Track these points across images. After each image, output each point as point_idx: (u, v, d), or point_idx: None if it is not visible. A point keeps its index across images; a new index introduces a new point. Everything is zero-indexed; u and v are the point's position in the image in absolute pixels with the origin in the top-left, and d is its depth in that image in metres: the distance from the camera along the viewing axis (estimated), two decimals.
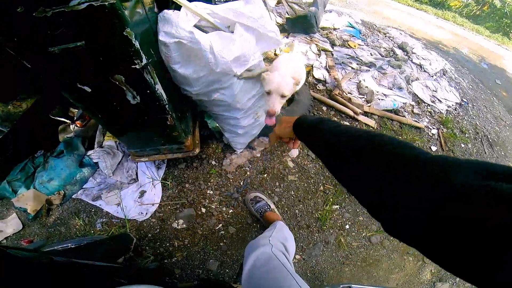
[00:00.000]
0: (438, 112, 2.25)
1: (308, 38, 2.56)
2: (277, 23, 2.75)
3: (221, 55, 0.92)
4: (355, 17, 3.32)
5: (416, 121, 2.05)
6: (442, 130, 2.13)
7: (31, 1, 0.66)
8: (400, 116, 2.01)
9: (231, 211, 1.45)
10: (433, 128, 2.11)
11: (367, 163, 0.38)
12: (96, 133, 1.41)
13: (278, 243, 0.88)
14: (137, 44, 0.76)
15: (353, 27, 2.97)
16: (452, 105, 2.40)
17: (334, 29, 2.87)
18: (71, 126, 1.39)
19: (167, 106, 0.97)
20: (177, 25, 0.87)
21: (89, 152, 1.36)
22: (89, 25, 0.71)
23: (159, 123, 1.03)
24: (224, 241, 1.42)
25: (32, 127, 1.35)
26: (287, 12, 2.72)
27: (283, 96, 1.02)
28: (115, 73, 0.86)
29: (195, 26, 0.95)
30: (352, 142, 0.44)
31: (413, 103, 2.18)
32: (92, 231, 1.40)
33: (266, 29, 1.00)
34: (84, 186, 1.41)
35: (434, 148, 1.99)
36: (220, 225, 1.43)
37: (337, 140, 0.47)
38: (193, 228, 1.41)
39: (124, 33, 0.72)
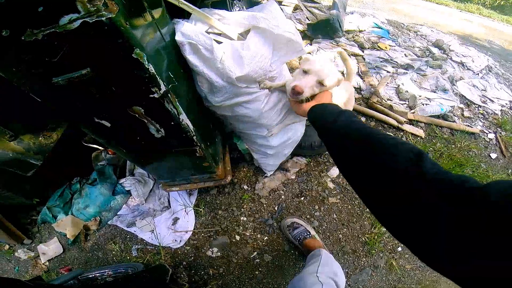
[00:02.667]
0: (492, 114, 1.76)
1: (333, 43, 2.19)
2: (298, 30, 2.41)
3: (229, 68, 0.70)
4: (380, 17, 2.85)
5: (468, 125, 1.60)
6: (500, 133, 1.65)
7: (15, 23, 0.44)
8: (450, 121, 1.58)
9: (266, 238, 1.19)
10: (490, 132, 1.64)
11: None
12: (127, 161, 1.22)
13: (328, 279, 0.75)
14: (151, 68, 0.52)
15: (380, 27, 2.53)
16: (506, 103, 1.88)
17: (360, 31, 2.45)
18: (103, 153, 1.22)
19: (195, 137, 0.72)
20: (195, 29, 0.68)
21: (121, 180, 1.19)
22: (90, 48, 0.48)
23: (188, 155, 0.80)
24: (260, 269, 1.17)
25: (67, 155, 1.19)
26: (307, 17, 2.34)
27: (321, 84, 0.69)
28: (132, 105, 0.63)
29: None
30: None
31: (462, 105, 1.72)
32: (128, 257, 1.23)
33: (281, 29, 0.73)
34: (118, 213, 1.24)
35: (493, 155, 1.53)
36: (255, 253, 1.18)
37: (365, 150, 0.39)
38: (228, 256, 1.18)
39: (133, 55, 0.48)
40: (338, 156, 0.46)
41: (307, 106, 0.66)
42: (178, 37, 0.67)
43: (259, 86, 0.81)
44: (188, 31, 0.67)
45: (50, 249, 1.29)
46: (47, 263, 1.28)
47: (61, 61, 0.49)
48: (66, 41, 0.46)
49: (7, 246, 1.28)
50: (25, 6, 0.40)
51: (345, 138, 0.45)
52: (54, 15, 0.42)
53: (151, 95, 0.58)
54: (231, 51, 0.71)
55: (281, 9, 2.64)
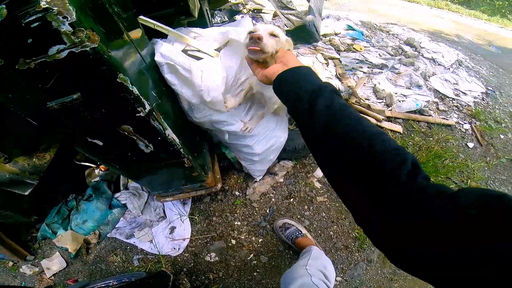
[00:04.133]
0: (465, 105, 1.85)
1: (312, 48, 2.26)
2: None
3: (208, 88, 0.73)
4: (354, 19, 2.94)
5: (444, 118, 1.68)
6: (475, 123, 1.74)
7: (8, 53, 0.47)
8: (426, 116, 1.66)
9: (260, 240, 1.22)
10: (465, 123, 1.72)
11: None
12: (121, 176, 1.25)
13: (317, 271, 0.77)
14: (135, 90, 0.56)
15: (354, 29, 2.62)
16: (478, 95, 1.98)
17: (336, 34, 2.53)
18: (96, 170, 1.24)
19: (181, 150, 0.76)
20: (173, 49, 0.71)
21: (116, 195, 1.21)
22: (79, 75, 0.52)
23: (177, 167, 0.83)
24: (258, 270, 1.19)
25: (61, 173, 1.21)
26: (285, 24, 2.40)
27: (273, 35, 0.61)
28: (121, 124, 0.66)
29: (182, 51, 0.78)
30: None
31: (436, 99, 1.81)
32: (130, 267, 1.24)
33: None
34: (116, 226, 1.26)
35: (471, 145, 1.60)
36: (252, 255, 1.20)
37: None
38: (226, 260, 1.20)
39: (117, 80, 0.52)
40: (322, 152, 0.40)
41: (271, 69, 0.54)
42: (157, 58, 0.71)
43: (224, 107, 0.78)
44: (167, 52, 0.70)
45: (53, 263, 1.28)
46: (53, 277, 1.28)
47: (53, 87, 0.53)
48: (57, 69, 0.50)
49: (10, 263, 1.28)
50: (15, 38, 0.43)
51: (332, 132, 0.37)
52: (43, 46, 0.45)
53: (138, 114, 0.62)
54: (207, 68, 0.74)
55: (262, 17, 2.71)
